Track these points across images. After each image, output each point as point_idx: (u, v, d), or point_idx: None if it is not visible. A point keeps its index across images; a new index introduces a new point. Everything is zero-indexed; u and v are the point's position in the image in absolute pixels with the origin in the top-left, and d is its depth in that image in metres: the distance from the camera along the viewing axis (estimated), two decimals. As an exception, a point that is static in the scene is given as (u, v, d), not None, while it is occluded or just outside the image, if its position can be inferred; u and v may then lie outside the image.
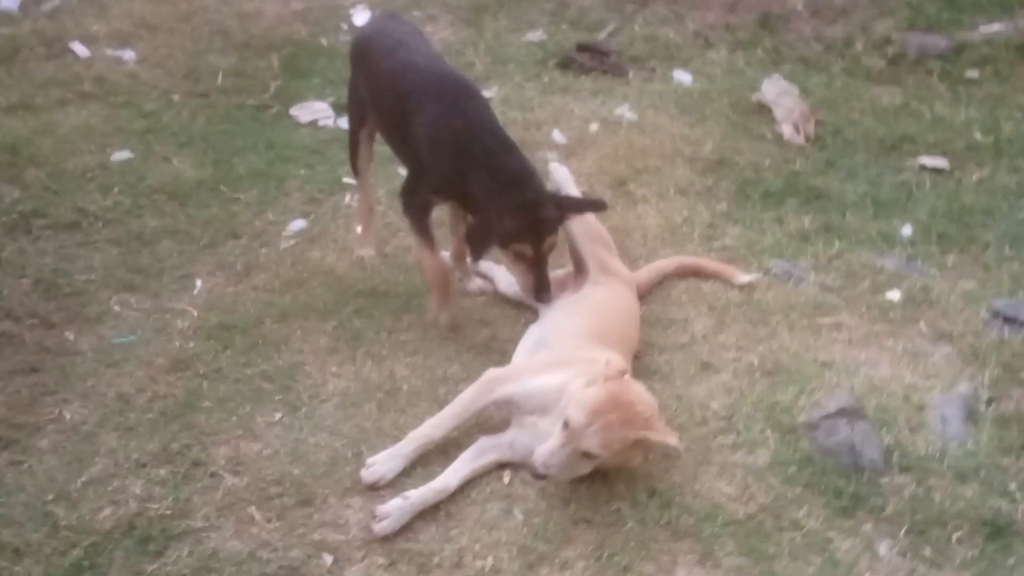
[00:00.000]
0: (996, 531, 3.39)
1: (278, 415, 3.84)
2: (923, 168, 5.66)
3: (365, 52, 4.57)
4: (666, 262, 4.64)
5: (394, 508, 3.39)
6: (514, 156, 4.03)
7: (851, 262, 4.76)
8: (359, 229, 4.90)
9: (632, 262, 4.61)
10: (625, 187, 5.35)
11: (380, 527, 3.35)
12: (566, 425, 3.34)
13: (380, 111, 4.48)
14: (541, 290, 3.98)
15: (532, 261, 3.94)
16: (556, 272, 4.39)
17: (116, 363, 4.12)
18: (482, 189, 3.95)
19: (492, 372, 3.77)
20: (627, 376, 3.52)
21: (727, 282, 4.57)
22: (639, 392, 3.49)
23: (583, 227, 4.36)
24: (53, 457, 3.69)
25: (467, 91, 4.24)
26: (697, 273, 4.63)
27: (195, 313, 4.42)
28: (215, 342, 4.22)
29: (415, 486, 3.49)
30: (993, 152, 5.79)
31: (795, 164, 5.61)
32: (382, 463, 3.59)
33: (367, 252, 4.81)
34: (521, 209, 3.89)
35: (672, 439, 3.40)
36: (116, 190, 5.27)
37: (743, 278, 4.57)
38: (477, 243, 4.00)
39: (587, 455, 3.35)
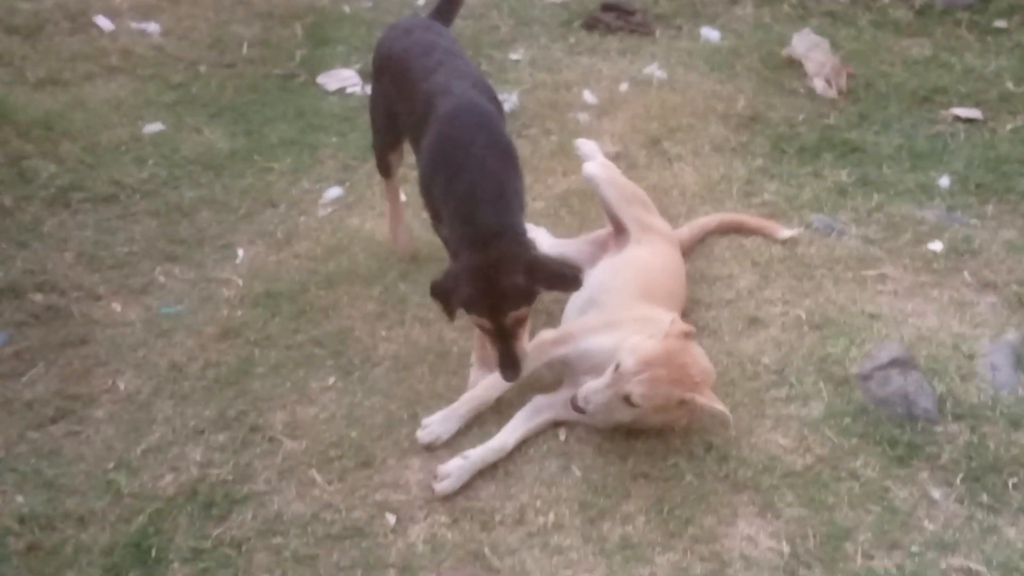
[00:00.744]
0: (1052, 476, 3.41)
1: (331, 379, 3.87)
2: (957, 119, 5.63)
3: (399, 69, 3.98)
4: (708, 219, 4.63)
5: (454, 468, 3.42)
6: (498, 206, 3.40)
7: (891, 214, 4.75)
8: (392, 234, 4.60)
9: (672, 220, 4.59)
10: (659, 145, 5.34)
11: (442, 487, 3.38)
12: (616, 367, 3.36)
13: (413, 132, 3.88)
14: (505, 367, 3.41)
15: (493, 334, 3.40)
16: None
17: (165, 333, 4.15)
18: (452, 238, 3.51)
19: (545, 334, 3.78)
20: (690, 340, 3.52)
21: (769, 237, 4.55)
22: (698, 357, 3.49)
23: (615, 191, 4.32)
24: (110, 426, 3.72)
25: (482, 121, 3.58)
26: (739, 229, 4.63)
27: (240, 282, 4.44)
28: (262, 310, 4.24)
29: (471, 446, 3.52)
30: (1025, 102, 5.76)
31: (829, 118, 5.58)
32: (438, 424, 3.61)
33: (403, 250, 4.56)
34: (479, 275, 3.32)
35: (720, 406, 3.39)
36: (151, 162, 5.29)
37: (785, 233, 4.56)
38: (440, 302, 3.47)
39: (628, 401, 3.37)
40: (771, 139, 5.40)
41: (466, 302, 3.35)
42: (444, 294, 3.40)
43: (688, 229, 4.55)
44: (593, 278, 4.05)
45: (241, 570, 3.19)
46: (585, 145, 4.74)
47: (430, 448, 3.57)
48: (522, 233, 3.44)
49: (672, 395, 3.36)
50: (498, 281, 3.28)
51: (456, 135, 3.50)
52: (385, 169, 4.45)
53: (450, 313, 3.45)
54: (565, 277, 3.40)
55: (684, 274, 4.19)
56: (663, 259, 4.15)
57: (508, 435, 3.56)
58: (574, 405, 3.47)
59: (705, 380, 3.44)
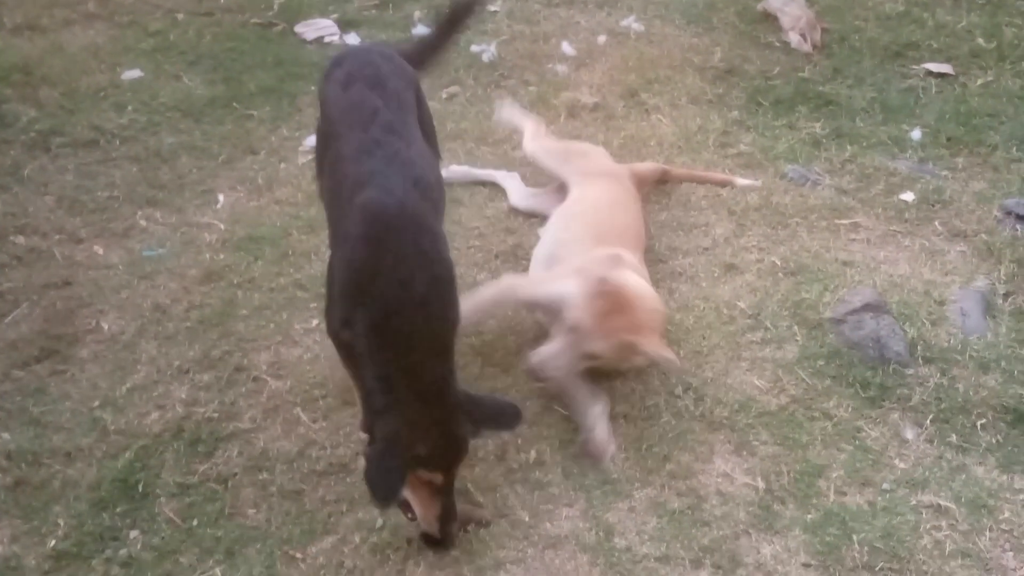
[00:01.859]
0: (1019, 417, 3.50)
1: (315, 322, 3.91)
2: (928, 74, 5.69)
3: (329, 128, 3.39)
4: (660, 167, 4.69)
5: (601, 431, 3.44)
6: (436, 351, 2.94)
7: (864, 165, 4.83)
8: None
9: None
10: (637, 97, 5.38)
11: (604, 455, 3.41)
12: (571, 329, 3.42)
13: (331, 211, 3.31)
14: (448, 521, 3.01)
15: (439, 489, 2.95)
16: (541, 189, 4.48)
17: (148, 275, 4.17)
18: (378, 388, 2.92)
19: (508, 278, 3.84)
20: (628, 272, 3.58)
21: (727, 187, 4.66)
22: (646, 299, 3.54)
23: (551, 158, 4.45)
24: (95, 366, 3.76)
25: (416, 238, 2.95)
26: (699, 182, 4.69)
27: (221, 226, 4.46)
28: (245, 253, 4.27)
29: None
30: (996, 57, 5.81)
31: (803, 71, 5.63)
32: None
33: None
34: (436, 431, 2.89)
35: (667, 353, 3.44)
36: (130, 108, 5.28)
37: (742, 182, 4.66)
38: (381, 479, 2.84)
39: (591, 356, 3.43)
40: (747, 91, 5.46)
41: (426, 461, 2.87)
42: (389, 458, 2.84)
43: (644, 165, 4.61)
44: (548, 235, 4.09)
45: (228, 504, 3.25)
46: (506, 111, 4.87)
47: None
48: (454, 375, 2.99)
49: (628, 340, 3.41)
50: (454, 433, 2.93)
51: (380, 258, 2.89)
52: None
53: (395, 489, 2.85)
54: (506, 415, 3.08)
55: (638, 208, 4.23)
56: (608, 195, 4.19)
57: None
58: (532, 375, 3.48)
59: (653, 323, 3.50)
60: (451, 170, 4.67)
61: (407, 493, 2.94)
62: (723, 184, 4.64)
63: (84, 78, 5.48)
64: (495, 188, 4.69)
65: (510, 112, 4.91)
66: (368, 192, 2.95)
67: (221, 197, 4.68)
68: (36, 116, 5.09)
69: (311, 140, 5.07)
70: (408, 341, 2.86)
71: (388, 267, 2.87)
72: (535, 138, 4.58)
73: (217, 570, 3.05)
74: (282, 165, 4.93)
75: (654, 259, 4.16)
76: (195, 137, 5.11)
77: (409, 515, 3.06)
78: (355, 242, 2.94)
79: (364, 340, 2.90)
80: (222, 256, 4.26)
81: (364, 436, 3.23)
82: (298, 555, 3.09)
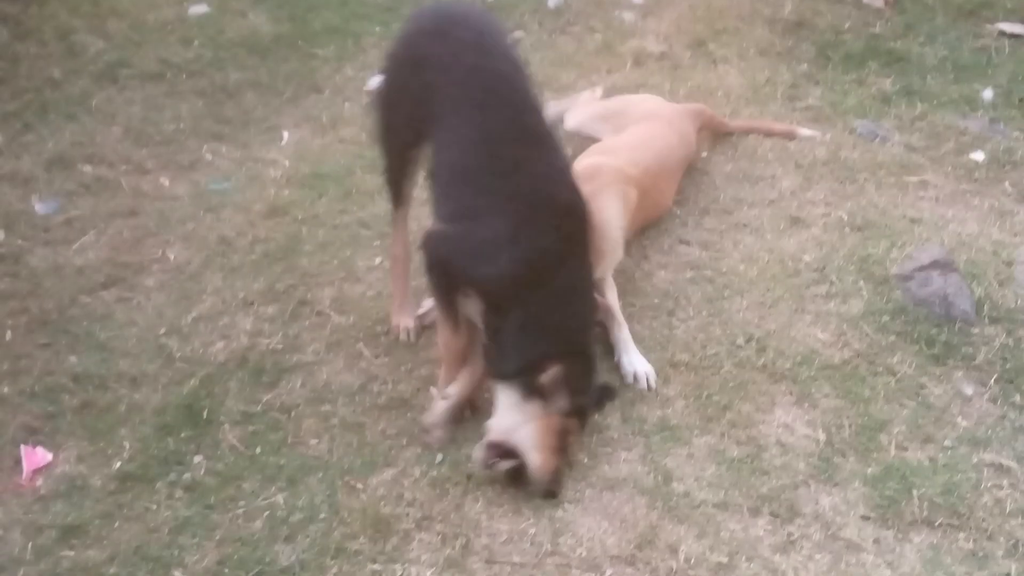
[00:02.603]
0: (1084, 380, 3.47)
1: (378, 260, 3.93)
2: (1002, 34, 5.61)
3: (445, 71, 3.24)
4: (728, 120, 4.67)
5: (438, 413, 3.34)
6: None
7: (934, 123, 4.77)
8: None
9: (716, 121, 4.63)
10: (705, 47, 5.34)
11: (433, 439, 3.31)
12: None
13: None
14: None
15: (566, 440, 3.14)
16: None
17: (213, 208, 4.21)
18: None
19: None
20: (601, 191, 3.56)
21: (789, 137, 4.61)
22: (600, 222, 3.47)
23: (589, 124, 4.42)
24: (160, 295, 3.80)
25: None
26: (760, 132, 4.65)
27: (286, 163, 4.49)
28: (309, 190, 4.30)
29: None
30: (1072, 18, 5.71)
31: (874, 27, 5.56)
32: (396, 316, 3.66)
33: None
34: (588, 379, 3.18)
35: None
36: (197, 43, 5.33)
37: (804, 132, 4.62)
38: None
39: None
40: (816, 45, 5.39)
41: (578, 408, 3.12)
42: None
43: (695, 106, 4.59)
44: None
45: (290, 433, 3.28)
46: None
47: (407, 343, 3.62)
48: None
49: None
50: (599, 386, 3.25)
51: (572, 249, 3.16)
52: (398, 180, 3.61)
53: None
54: (607, 391, 3.29)
55: (676, 140, 4.21)
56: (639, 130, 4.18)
57: None
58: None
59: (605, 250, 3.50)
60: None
61: (527, 439, 3.05)
62: (786, 135, 4.58)
63: (152, 11, 5.54)
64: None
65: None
66: (560, 192, 3.16)
67: (286, 134, 4.71)
68: (104, 47, 5.15)
69: (375, 80, 5.07)
70: (575, 309, 3.15)
71: (574, 255, 3.14)
72: (576, 112, 4.51)
73: (279, 497, 3.08)
74: (346, 104, 4.95)
75: (720, 210, 4.14)
76: (260, 74, 5.14)
77: (494, 462, 3.07)
78: (550, 234, 3.09)
79: (539, 306, 3.07)
80: (286, 192, 4.29)
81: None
82: (359, 485, 3.11)
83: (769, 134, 4.58)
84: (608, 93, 4.92)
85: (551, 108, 4.61)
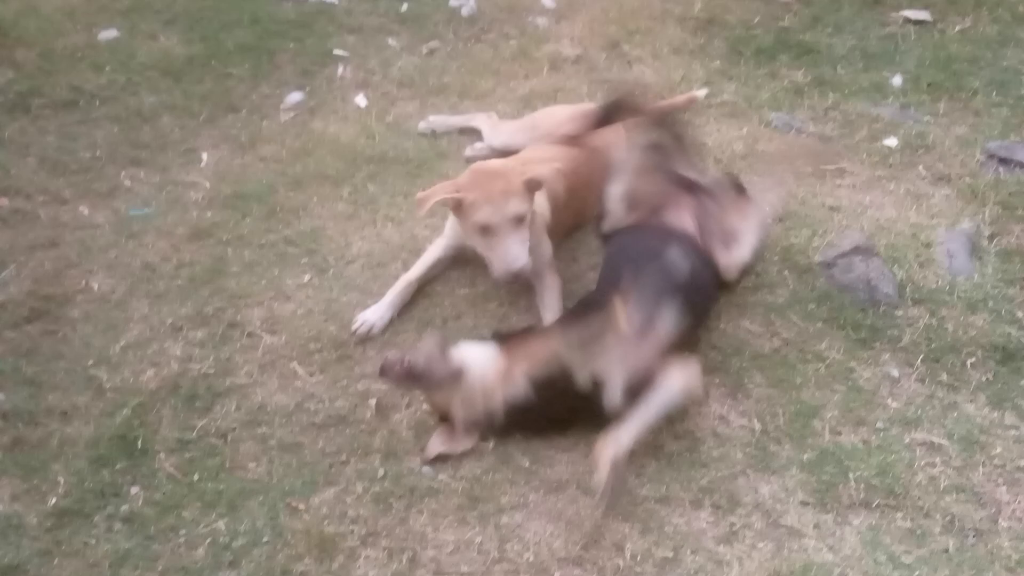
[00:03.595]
0: (1007, 356, 3.54)
1: (307, 277, 3.91)
2: (907, 21, 5.70)
3: None
4: None
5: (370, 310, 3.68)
6: None
7: (847, 112, 4.85)
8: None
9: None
10: (619, 48, 5.39)
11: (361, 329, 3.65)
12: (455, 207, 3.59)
13: None
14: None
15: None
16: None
17: (135, 234, 4.15)
18: None
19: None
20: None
21: (688, 107, 4.59)
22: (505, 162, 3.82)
23: (516, 136, 4.47)
24: (87, 325, 3.74)
25: None
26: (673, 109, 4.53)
27: (207, 184, 4.44)
28: (232, 211, 4.26)
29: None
30: (973, 4, 5.81)
31: (783, 20, 5.64)
32: (370, 313, 3.70)
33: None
34: None
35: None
36: (108, 68, 5.24)
37: (700, 93, 4.72)
38: None
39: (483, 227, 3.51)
40: (728, 41, 5.46)
41: None
42: None
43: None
44: None
45: (228, 458, 3.25)
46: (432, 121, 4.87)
47: (367, 337, 3.66)
48: None
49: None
50: None
51: None
52: None
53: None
54: None
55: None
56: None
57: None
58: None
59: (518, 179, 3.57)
60: (430, 121, 4.75)
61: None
62: (688, 103, 4.59)
63: (60, 39, 5.44)
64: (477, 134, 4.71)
65: (440, 121, 4.84)
66: None
67: (204, 155, 4.66)
68: (14, 77, 5.05)
69: (293, 97, 5.10)
70: None
71: None
72: (495, 130, 4.59)
73: (220, 523, 3.05)
74: (264, 122, 4.91)
75: (642, 208, 4.17)
76: (175, 96, 5.08)
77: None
78: None
79: None
80: (209, 214, 4.24)
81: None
82: (300, 506, 3.10)
83: (678, 108, 4.51)
84: (526, 99, 4.96)
85: (433, 121, 4.82)
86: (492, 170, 3.66)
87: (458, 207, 3.54)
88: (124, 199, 4.37)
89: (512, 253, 3.47)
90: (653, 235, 3.48)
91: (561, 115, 4.37)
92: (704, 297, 3.44)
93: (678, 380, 3.19)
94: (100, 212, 4.28)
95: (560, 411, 3.23)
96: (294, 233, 4.11)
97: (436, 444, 3.24)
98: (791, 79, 5.14)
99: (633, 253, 3.44)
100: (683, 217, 3.53)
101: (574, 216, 3.97)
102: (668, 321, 3.16)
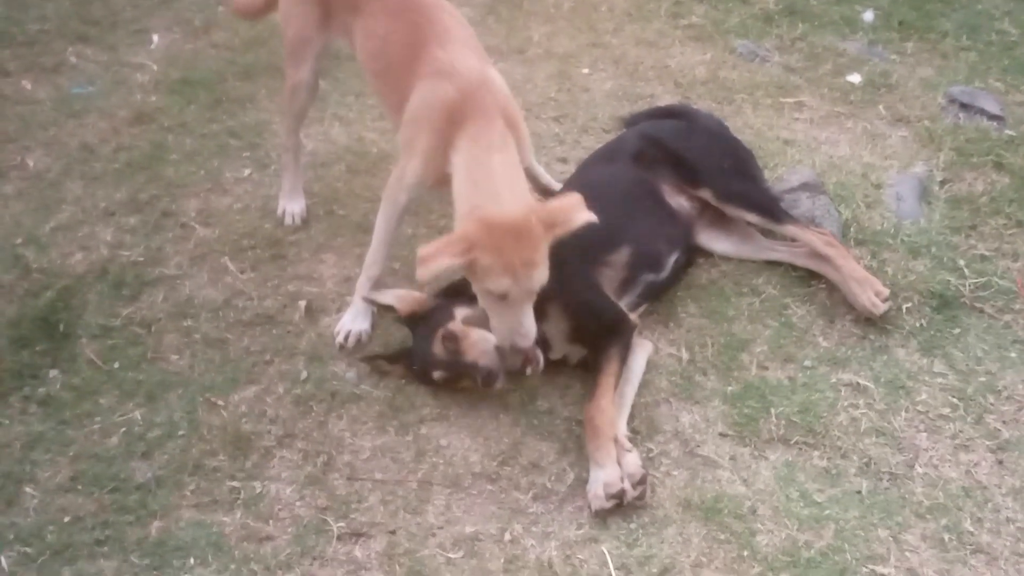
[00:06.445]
0: (944, 303, 3.52)
1: (247, 171, 3.84)
2: (887, -45, 5.61)
3: None
4: None
5: (348, 319, 3.32)
6: None
7: (814, 44, 4.79)
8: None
9: (598, 35, 4.62)
10: (590, -41, 5.26)
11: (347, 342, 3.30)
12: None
13: None
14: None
15: None
16: None
17: (76, 114, 4.06)
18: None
19: (388, 186, 3.29)
20: None
21: None
22: None
23: None
24: (18, 202, 3.68)
25: None
26: None
27: (155, 67, 4.35)
28: (178, 97, 4.17)
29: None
30: (956, -58, 5.75)
31: (761, -55, 5.52)
32: (349, 323, 3.33)
33: (296, 208, 3.72)
34: None
35: None
36: (63, -61, 5.07)
37: None
38: None
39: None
40: (703, -38, 5.35)
41: None
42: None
43: None
44: None
45: (150, 349, 3.22)
46: None
47: (359, 345, 3.32)
48: None
49: None
50: None
51: None
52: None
53: None
54: None
55: None
56: None
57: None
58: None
59: None
60: None
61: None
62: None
63: (14, -95, 5.24)
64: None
65: None
66: None
67: (155, 37, 4.56)
68: (-36, -58, 4.88)
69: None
70: None
71: None
72: None
73: (137, 413, 3.03)
74: (220, 8, 4.80)
75: (598, 128, 4.13)
76: (131, -28, 4.93)
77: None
78: None
79: None
80: (153, 98, 4.16)
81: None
82: (219, 402, 3.08)
83: None
84: (492, 5, 4.85)
85: None
86: (512, 224, 2.83)
87: (471, 267, 2.85)
88: (69, 76, 4.27)
89: (525, 327, 2.91)
90: None
91: None
92: None
93: (642, 358, 3.23)
94: (43, 88, 4.19)
95: None
96: (238, 125, 4.03)
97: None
98: (762, 6, 5.06)
99: None
100: None
101: None
102: None
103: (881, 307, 3.39)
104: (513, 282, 2.81)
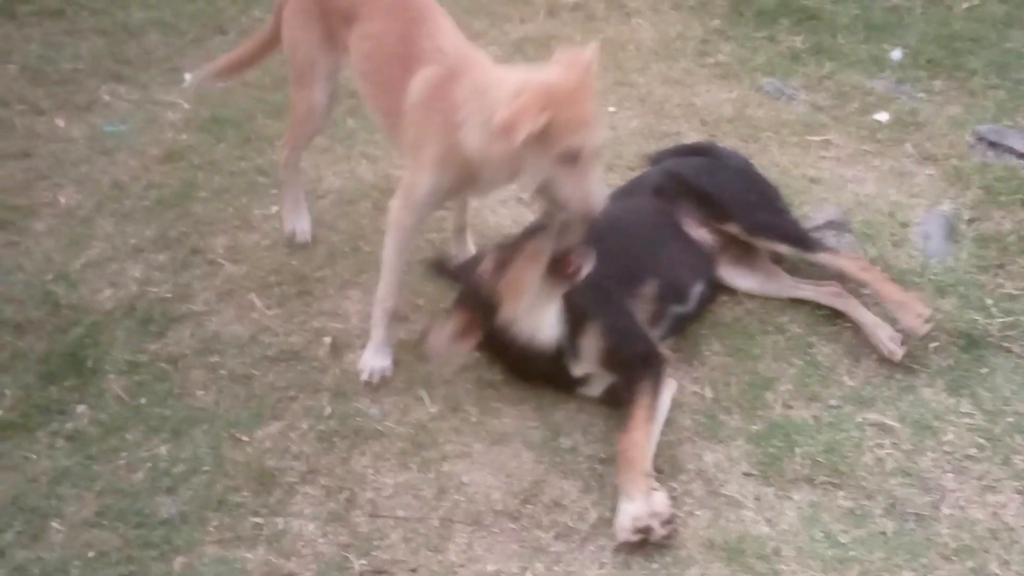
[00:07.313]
0: (971, 343, 3.50)
1: (274, 208, 3.88)
2: (915, -6, 5.62)
3: None
4: None
5: (368, 358, 3.33)
6: None
7: (841, 82, 4.79)
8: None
9: (625, 75, 4.62)
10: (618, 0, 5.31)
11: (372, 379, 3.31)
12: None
13: None
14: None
15: None
16: None
17: (108, 151, 4.12)
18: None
19: (393, 209, 3.27)
20: None
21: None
22: None
23: None
24: (49, 239, 3.72)
25: None
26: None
27: (186, 106, 4.41)
28: (208, 135, 4.22)
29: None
30: (984, -20, 5.75)
31: (789, -17, 5.54)
32: (371, 360, 3.32)
33: (304, 224, 3.81)
34: None
35: None
36: (99, -22, 5.17)
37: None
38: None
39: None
40: (729, 0, 5.37)
41: None
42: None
43: None
44: None
45: (177, 384, 3.25)
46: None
47: (384, 381, 3.32)
48: None
49: None
50: None
51: None
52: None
53: None
54: None
55: None
56: None
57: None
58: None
59: None
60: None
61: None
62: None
63: (51, -54, 5.35)
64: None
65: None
66: None
67: (187, 76, 4.59)
68: (2, -18, 4.98)
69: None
70: None
71: None
72: None
73: (163, 448, 3.05)
74: (251, 48, 4.83)
75: (623, 167, 4.14)
76: (164, 13, 5.03)
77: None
78: None
79: None
80: (184, 136, 4.21)
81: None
82: (244, 438, 3.09)
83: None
84: (519, 43, 4.89)
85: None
86: (567, 81, 2.84)
87: (544, 132, 2.76)
88: (101, 114, 4.34)
89: (597, 190, 2.90)
90: None
91: None
92: None
93: (667, 396, 3.20)
94: (76, 126, 4.25)
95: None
96: (266, 163, 4.07)
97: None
98: (789, 44, 5.07)
99: None
100: None
101: None
102: None
103: (898, 354, 3.38)
104: (587, 135, 2.82)
